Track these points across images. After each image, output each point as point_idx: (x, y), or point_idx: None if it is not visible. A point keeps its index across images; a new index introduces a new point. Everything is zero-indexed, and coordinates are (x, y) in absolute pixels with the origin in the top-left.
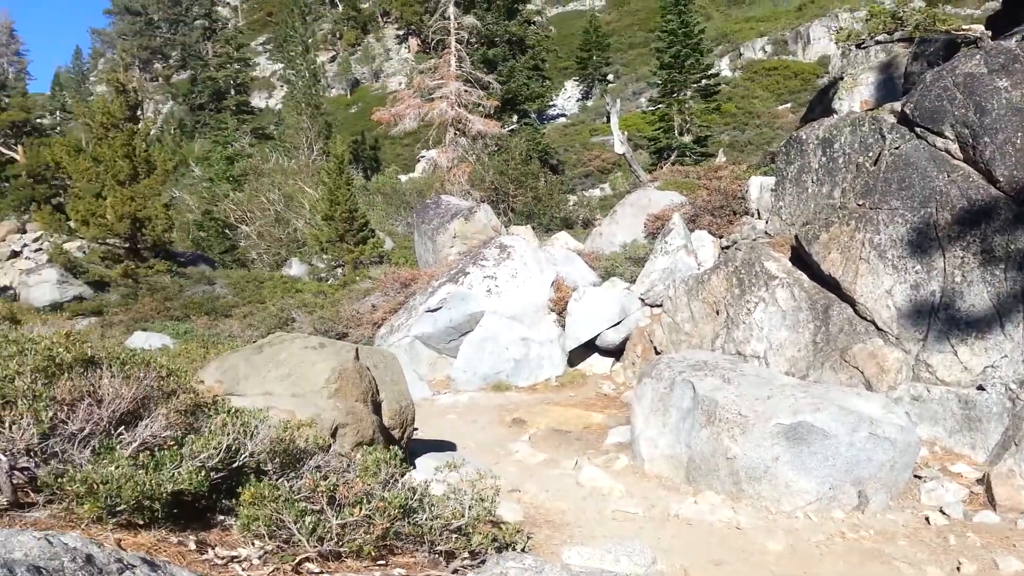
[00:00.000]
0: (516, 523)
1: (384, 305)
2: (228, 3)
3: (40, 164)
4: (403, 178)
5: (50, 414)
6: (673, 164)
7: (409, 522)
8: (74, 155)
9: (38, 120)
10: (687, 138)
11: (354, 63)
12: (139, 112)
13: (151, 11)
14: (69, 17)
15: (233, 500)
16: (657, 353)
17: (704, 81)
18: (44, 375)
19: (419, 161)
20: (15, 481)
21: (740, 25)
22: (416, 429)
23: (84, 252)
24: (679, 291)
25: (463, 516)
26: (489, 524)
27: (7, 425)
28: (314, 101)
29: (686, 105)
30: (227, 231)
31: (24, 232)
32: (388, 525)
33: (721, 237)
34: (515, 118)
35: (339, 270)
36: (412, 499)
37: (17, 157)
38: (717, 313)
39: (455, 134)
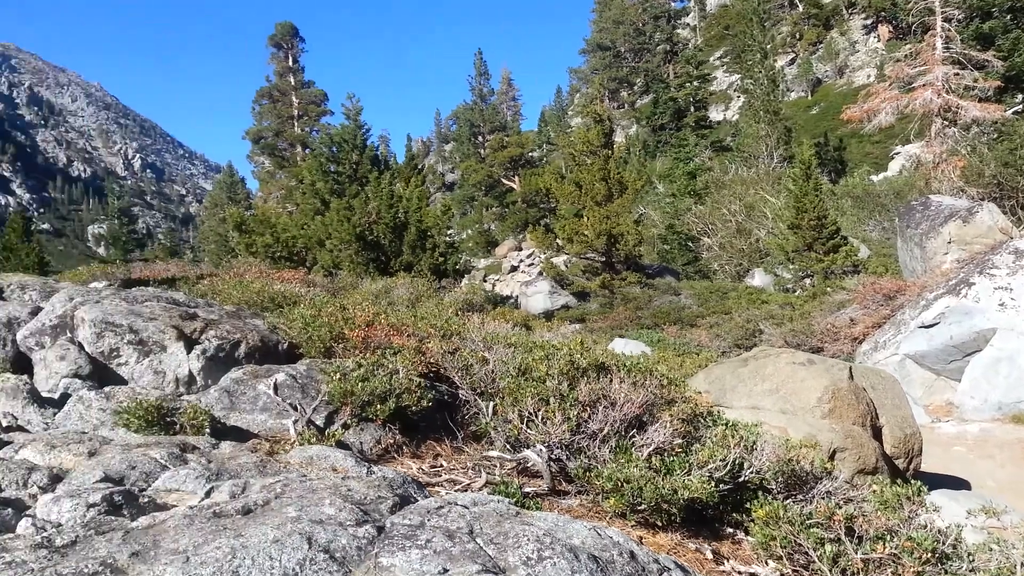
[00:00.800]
0: None
1: (864, 319)
2: (688, 24)
3: (532, 191)
4: (875, 178)
5: (575, 412)
6: None
7: (943, 569)
8: (559, 181)
9: (530, 153)
10: None
11: (815, 62)
12: (611, 138)
13: (619, 44)
14: (552, 61)
15: (741, 515)
16: None
17: None
18: (566, 377)
19: (894, 159)
20: (552, 469)
21: None
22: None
23: (567, 266)
24: None
25: (1013, 574)
26: None
27: (542, 420)
28: (772, 107)
29: None
30: (689, 243)
31: (520, 249)
32: (920, 569)
33: None
34: (1020, 98)
35: (807, 280)
36: (943, 543)
37: (515, 186)
38: None
39: (942, 124)
